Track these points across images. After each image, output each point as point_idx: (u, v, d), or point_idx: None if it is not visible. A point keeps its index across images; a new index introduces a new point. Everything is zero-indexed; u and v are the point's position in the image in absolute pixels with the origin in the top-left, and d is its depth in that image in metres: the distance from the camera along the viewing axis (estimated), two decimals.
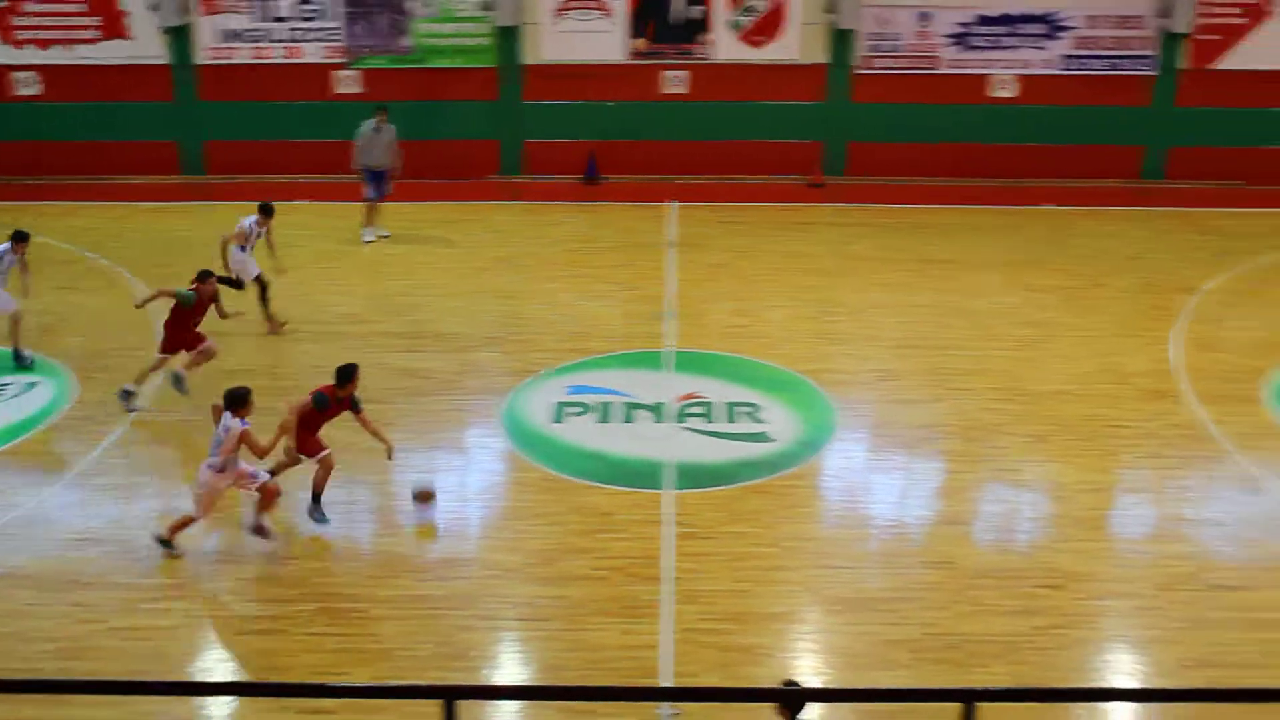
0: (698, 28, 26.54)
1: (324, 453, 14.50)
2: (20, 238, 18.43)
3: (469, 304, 20.69)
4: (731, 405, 17.39)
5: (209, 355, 17.35)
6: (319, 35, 26.34)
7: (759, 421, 17.04)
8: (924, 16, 26.27)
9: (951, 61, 26.56)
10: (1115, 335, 19.69)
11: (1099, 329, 19.89)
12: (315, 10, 26.20)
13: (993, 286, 21.44)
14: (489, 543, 14.71)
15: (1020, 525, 15.10)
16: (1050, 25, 26.30)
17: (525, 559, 14.22)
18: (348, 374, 14.47)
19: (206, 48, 26.29)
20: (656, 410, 17.26)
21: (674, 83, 26.80)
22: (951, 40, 26.43)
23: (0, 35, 26.26)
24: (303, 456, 14.50)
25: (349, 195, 23.80)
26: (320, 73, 26.50)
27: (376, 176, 23.21)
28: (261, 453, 13.71)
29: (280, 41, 26.35)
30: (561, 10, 26.38)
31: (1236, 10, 26.11)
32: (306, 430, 14.42)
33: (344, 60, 26.47)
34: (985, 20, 26.30)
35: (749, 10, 26.35)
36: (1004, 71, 26.64)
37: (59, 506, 15.16)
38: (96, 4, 26.06)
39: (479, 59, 26.57)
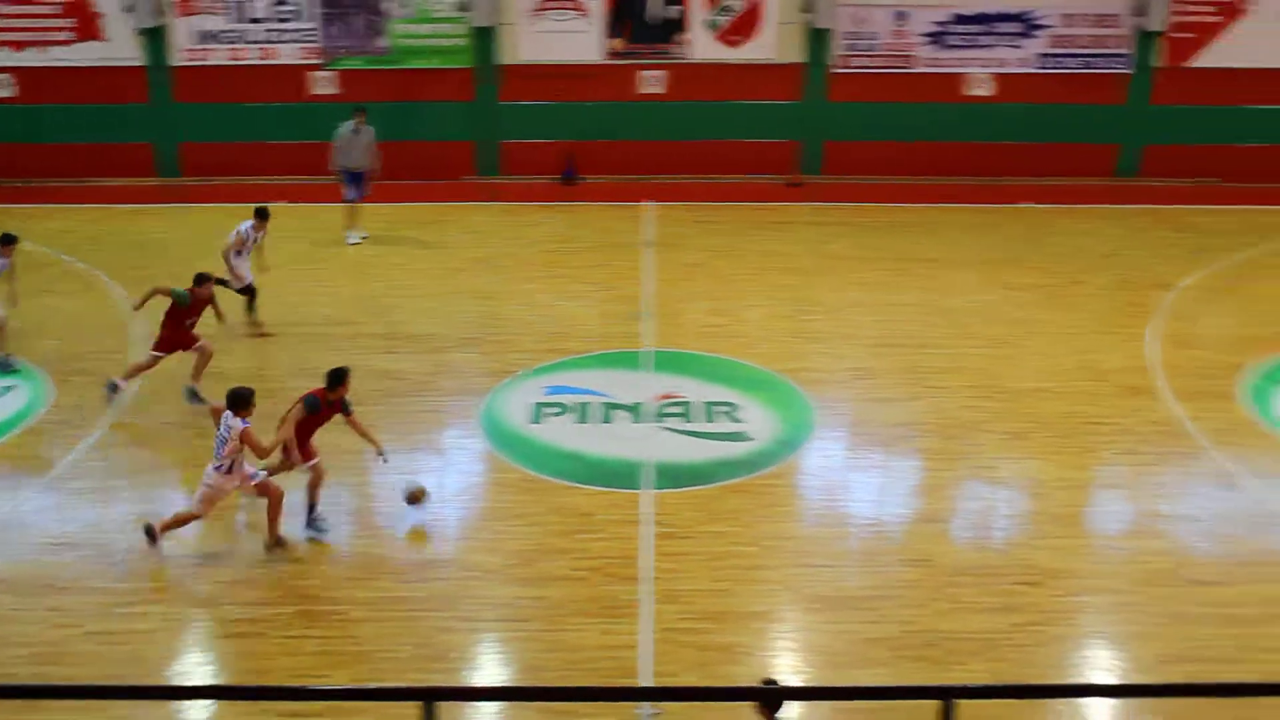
0: (674, 27, 26.55)
1: (315, 460, 14.42)
2: (7, 240, 18.29)
3: (446, 305, 20.67)
4: (710, 405, 17.40)
5: (207, 357, 17.27)
6: (295, 36, 26.28)
7: (737, 421, 17.05)
8: (900, 15, 26.33)
9: (928, 60, 26.62)
10: (1092, 332, 19.76)
11: (1076, 326, 19.96)
12: (291, 11, 26.14)
13: (970, 285, 21.51)
14: (468, 544, 14.69)
15: (998, 522, 15.13)
16: (1026, 24, 26.38)
17: (504, 560, 14.20)
18: (339, 377, 14.38)
19: (182, 49, 26.22)
20: (635, 410, 17.26)
21: (651, 83, 26.81)
22: (928, 39, 26.50)
23: None
24: (295, 462, 14.44)
25: (325, 197, 23.75)
26: (296, 74, 26.45)
27: (355, 178, 23.17)
28: (262, 453, 13.70)
29: (256, 43, 26.29)
30: (538, 10, 26.36)
31: (1211, 8, 26.24)
32: (298, 435, 14.35)
33: (320, 61, 26.41)
34: (961, 19, 26.37)
35: (725, 10, 26.37)
36: (980, 70, 26.71)
37: (35, 510, 15.08)
38: (71, 6, 25.97)
39: (455, 59, 26.55)
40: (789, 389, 17.89)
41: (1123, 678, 12.76)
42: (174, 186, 26.60)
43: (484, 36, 26.37)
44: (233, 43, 26.21)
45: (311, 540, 14.38)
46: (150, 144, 26.86)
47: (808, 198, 26.05)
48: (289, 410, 14.34)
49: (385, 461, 14.67)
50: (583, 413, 17.22)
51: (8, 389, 17.83)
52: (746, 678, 12.18)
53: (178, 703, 12.13)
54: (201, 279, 17.28)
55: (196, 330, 17.33)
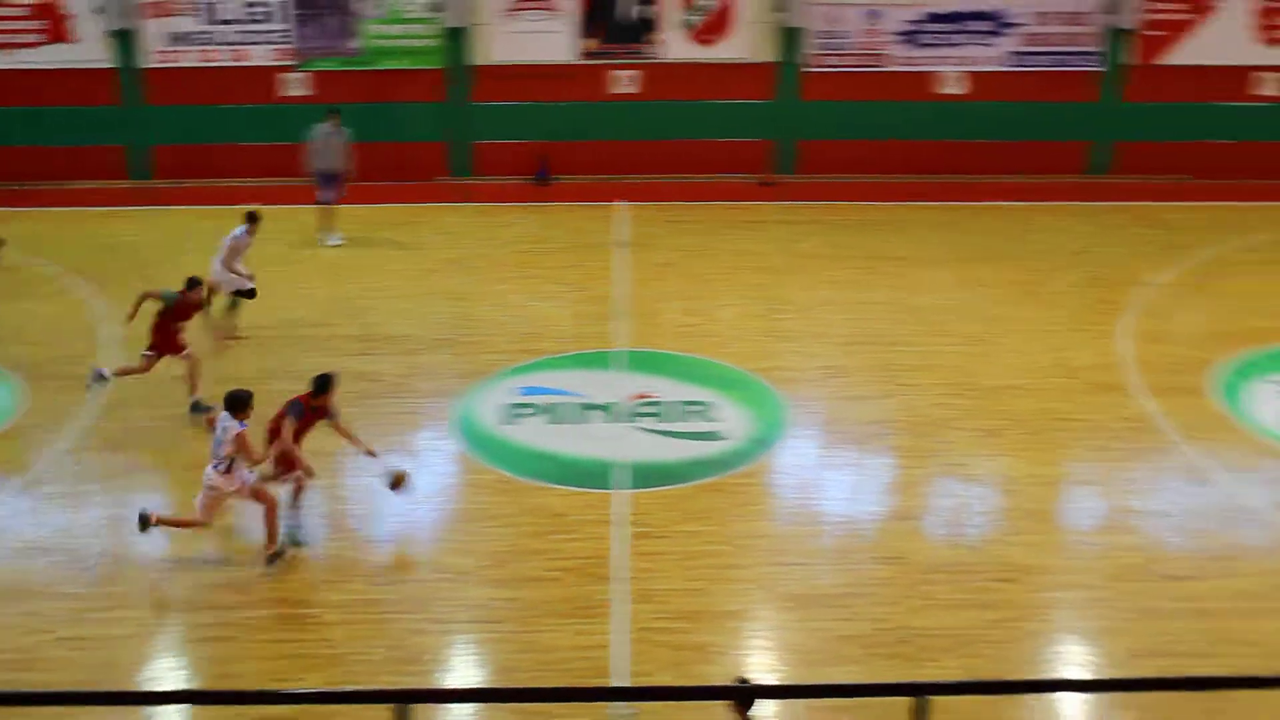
0: (648, 27, 26.54)
1: (299, 470, 14.25)
2: None
3: (420, 306, 20.63)
4: (683, 404, 17.41)
5: (196, 365, 17.12)
6: (266, 38, 26.18)
7: (711, 420, 17.07)
8: (872, 14, 26.36)
9: (900, 59, 26.66)
10: (1064, 329, 19.82)
11: (1048, 323, 20.03)
12: (263, 13, 26.05)
13: (942, 282, 21.55)
14: (441, 546, 14.68)
15: (971, 519, 15.17)
16: (998, 22, 26.45)
17: (478, 561, 14.20)
18: (326, 383, 14.29)
19: (153, 51, 26.08)
20: (608, 410, 17.26)
21: (624, 82, 26.80)
22: (900, 38, 26.54)
23: None
24: (305, 469, 14.25)
25: (298, 199, 23.65)
26: (268, 75, 26.34)
27: (330, 180, 23.12)
28: (255, 460, 13.68)
29: (227, 44, 26.16)
30: (511, 11, 26.32)
31: (1181, 6, 26.33)
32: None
33: (292, 63, 26.32)
34: (934, 18, 26.42)
35: (699, 9, 26.38)
36: (952, 68, 26.76)
37: (7, 515, 15.00)
38: (40, 8, 25.81)
39: (428, 60, 26.48)
40: (762, 388, 17.91)
41: (1095, 672, 12.83)
42: (146, 189, 26.46)
43: (456, 37, 26.32)
44: (204, 44, 26.09)
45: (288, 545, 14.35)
46: (122, 146, 26.71)
47: (779, 197, 26.06)
48: (275, 419, 14.22)
49: (376, 456, 14.60)
50: (556, 413, 17.22)
51: None
52: (721, 677, 12.19)
53: (150, 707, 12.10)
54: (193, 283, 17.14)
55: (185, 338, 17.18)
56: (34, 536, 14.53)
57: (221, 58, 26.19)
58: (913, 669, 12.43)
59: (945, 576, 13.91)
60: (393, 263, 22.50)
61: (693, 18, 26.46)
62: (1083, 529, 15.16)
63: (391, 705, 6.41)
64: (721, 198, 25.95)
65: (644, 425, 16.91)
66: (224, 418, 13.62)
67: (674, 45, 26.61)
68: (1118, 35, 26.38)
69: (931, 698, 6.50)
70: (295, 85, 26.36)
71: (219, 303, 19.34)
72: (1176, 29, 26.44)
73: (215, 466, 13.70)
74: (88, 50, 25.97)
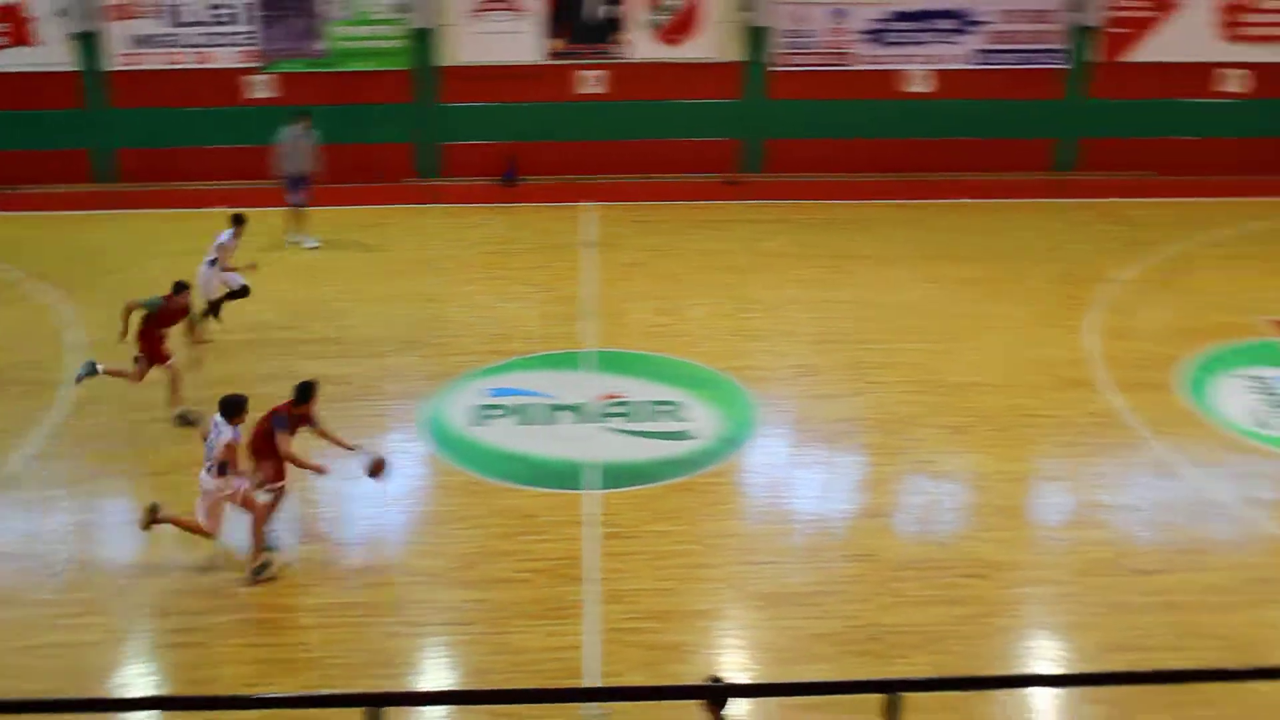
0: (614, 27, 26.53)
1: (282, 483, 14.14)
2: None
3: (388, 308, 20.55)
4: (652, 404, 17.41)
5: (178, 375, 16.94)
6: (231, 40, 26.05)
7: (680, 419, 17.07)
8: (839, 13, 26.41)
9: (866, 58, 26.72)
10: (1031, 326, 19.90)
11: (1015, 320, 20.10)
12: (227, 15, 25.92)
13: (909, 280, 21.60)
14: (411, 548, 14.64)
15: (941, 516, 15.22)
16: (964, 20, 26.54)
17: (448, 563, 14.17)
18: (308, 391, 14.19)
19: (117, 54, 25.92)
20: (578, 411, 17.25)
21: (591, 83, 26.78)
22: (866, 36, 26.60)
23: None
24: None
25: (265, 201, 23.53)
26: (233, 78, 26.21)
27: (299, 183, 23.03)
28: (240, 473, 13.56)
29: (192, 46, 26.02)
30: (478, 11, 26.27)
31: (1146, 4, 26.47)
32: (267, 452, 14.03)
33: (257, 65, 26.20)
34: (900, 16, 26.48)
35: (666, 9, 26.38)
36: (919, 67, 26.83)
37: None
38: (2, 11, 25.60)
39: (394, 61, 26.41)
40: (731, 387, 17.93)
41: (1065, 667, 12.90)
42: (111, 193, 26.27)
43: (423, 38, 26.25)
44: (168, 47, 25.95)
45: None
46: (86, 150, 26.54)
47: (746, 196, 26.07)
48: (256, 435, 14.04)
49: (361, 449, 14.52)
50: (526, 414, 17.19)
51: None
52: (693, 676, 12.19)
53: (121, 715, 12.01)
54: (180, 287, 17.02)
55: (169, 347, 17.04)
56: (0, 542, 14.42)
57: (186, 60, 26.05)
58: (883, 666, 12.47)
59: (915, 573, 13.96)
60: (360, 265, 22.42)
61: (659, 17, 26.46)
62: (1051, 524, 15.23)
63: (364, 709, 6.39)
64: (689, 197, 25.96)
65: (613, 425, 16.90)
66: (218, 421, 13.52)
67: (640, 45, 26.61)
68: (1083, 33, 26.52)
69: (903, 694, 6.51)
70: (261, 87, 26.25)
71: (197, 306, 19.19)
72: (1141, 26, 26.59)
73: (209, 470, 13.60)
74: (51, 53, 25.78)
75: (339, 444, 14.49)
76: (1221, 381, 18.17)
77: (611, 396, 17.53)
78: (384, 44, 26.32)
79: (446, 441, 16.66)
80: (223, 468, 13.52)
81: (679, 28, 26.59)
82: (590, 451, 16.26)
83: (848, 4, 26.41)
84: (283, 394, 14.35)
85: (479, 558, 14.22)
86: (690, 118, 27.06)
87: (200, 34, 25.95)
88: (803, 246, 23.14)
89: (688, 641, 12.99)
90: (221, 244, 19.11)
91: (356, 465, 14.64)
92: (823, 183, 26.54)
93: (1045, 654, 13.11)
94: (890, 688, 6.52)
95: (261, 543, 13.82)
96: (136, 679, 12.61)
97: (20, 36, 25.75)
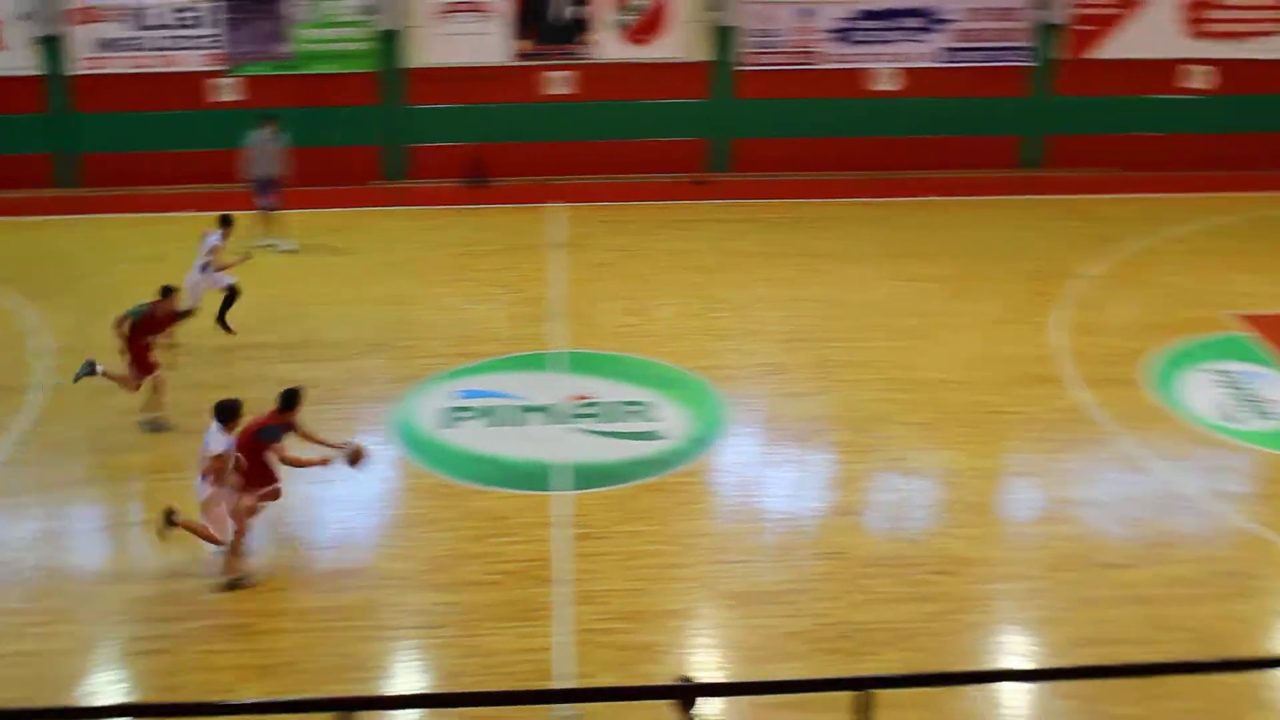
0: (581, 28, 26.51)
1: (266, 490, 13.97)
2: None
3: (356, 311, 20.47)
4: (622, 404, 17.40)
5: (162, 387, 16.80)
6: (197, 43, 25.92)
7: (650, 420, 17.07)
8: (805, 12, 26.46)
9: (833, 56, 26.77)
10: (999, 322, 19.97)
11: (983, 316, 20.16)
12: (192, 18, 25.79)
13: (876, 278, 21.64)
14: (381, 551, 14.59)
15: (911, 513, 15.26)
16: (930, 19, 26.62)
17: (418, 566, 14.13)
18: (293, 398, 14.02)
19: (81, 58, 25.76)
20: (547, 412, 17.22)
21: (559, 83, 26.75)
22: (833, 35, 26.65)
23: None
24: (249, 490, 14.00)
25: (231, 205, 23.37)
26: (199, 81, 26.08)
27: (268, 186, 22.94)
28: (225, 480, 13.44)
29: (157, 50, 25.89)
30: (444, 13, 26.22)
31: (1111, 1, 26.60)
32: (257, 463, 13.83)
33: (223, 68, 26.08)
34: (866, 15, 26.55)
35: (633, 9, 26.38)
36: (885, 65, 26.90)
37: None
38: None
39: (360, 64, 26.33)
40: (700, 386, 17.93)
41: (1036, 662, 12.95)
42: (75, 197, 26.10)
43: (389, 40, 26.18)
44: (133, 50, 25.80)
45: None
46: (50, 154, 26.37)
47: (714, 195, 26.08)
48: (245, 448, 13.88)
49: (349, 444, 14.35)
50: (495, 416, 17.16)
51: None
52: (664, 676, 12.19)
53: None
54: (167, 291, 16.89)
55: (156, 357, 16.90)
56: None
57: (151, 63, 25.90)
58: (854, 663, 12.50)
59: (886, 570, 13.99)
60: (328, 268, 22.33)
61: (626, 18, 26.46)
62: (1021, 520, 15.30)
63: (335, 714, 6.36)
64: (657, 197, 25.96)
65: (584, 426, 16.89)
66: (213, 428, 13.41)
67: (608, 45, 26.60)
68: (1048, 30, 26.64)
69: (874, 691, 6.52)
70: (227, 90, 26.13)
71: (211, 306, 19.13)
72: (1106, 23, 26.73)
73: (204, 478, 13.50)
74: (14, 57, 25.60)
75: (324, 444, 14.40)
76: (1188, 376, 18.26)
77: (581, 397, 17.52)
78: (350, 46, 26.24)
79: (416, 444, 16.61)
80: (217, 476, 13.40)
81: (646, 28, 26.59)
82: (560, 452, 16.24)
83: (814, 3, 26.46)
84: (250, 397, 14.23)
85: (450, 560, 14.19)
86: (658, 118, 27.06)
87: (165, 37, 25.82)
88: (770, 245, 23.16)
89: (660, 642, 12.99)
90: (213, 246, 19.09)
91: (337, 460, 14.52)
92: (790, 182, 26.58)
93: (1016, 649, 13.16)
94: (861, 685, 6.52)
95: (240, 553, 13.73)
96: (106, 687, 12.53)
97: None
